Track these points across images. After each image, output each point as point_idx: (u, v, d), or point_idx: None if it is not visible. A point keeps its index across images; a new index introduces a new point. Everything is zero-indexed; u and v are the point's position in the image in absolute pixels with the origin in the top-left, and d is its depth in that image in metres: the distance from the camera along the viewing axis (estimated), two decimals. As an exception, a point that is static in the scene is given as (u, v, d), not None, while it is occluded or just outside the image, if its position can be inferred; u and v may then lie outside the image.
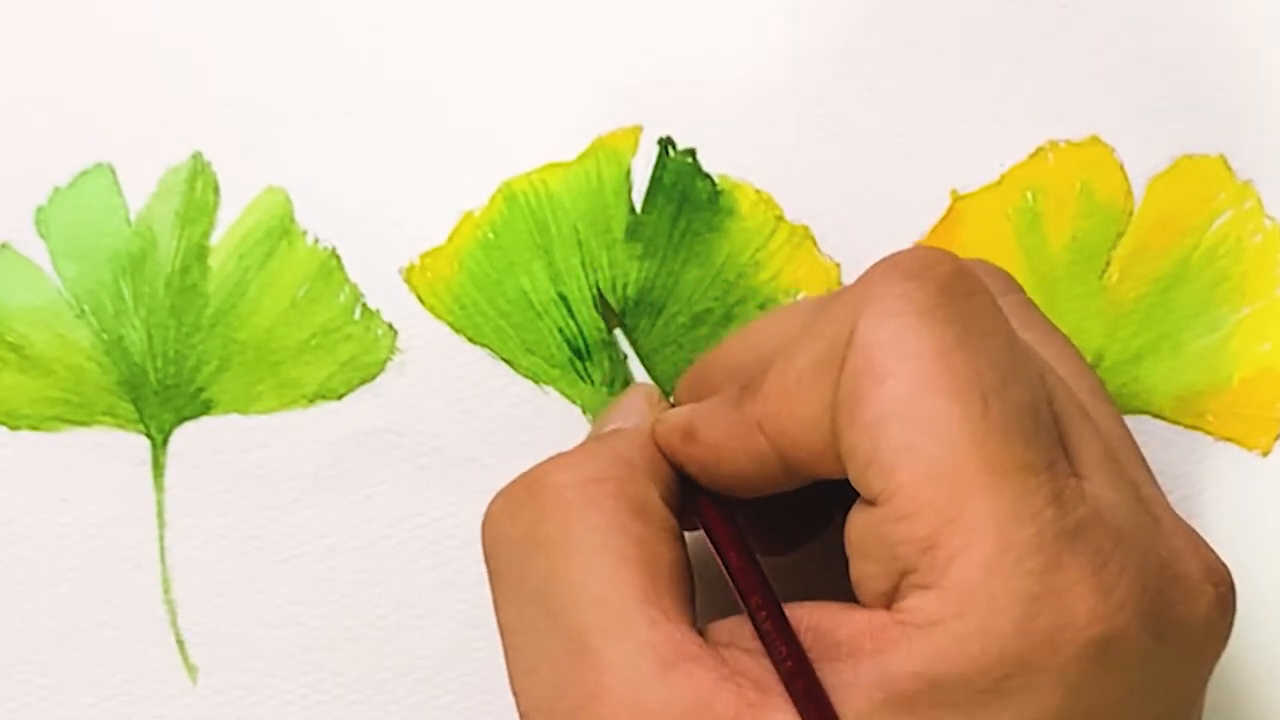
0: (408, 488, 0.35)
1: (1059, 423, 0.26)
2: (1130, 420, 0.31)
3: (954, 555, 0.24)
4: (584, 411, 0.36)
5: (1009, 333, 0.26)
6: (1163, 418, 0.36)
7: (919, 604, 0.24)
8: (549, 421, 0.36)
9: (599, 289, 0.35)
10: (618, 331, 0.35)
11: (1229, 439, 0.36)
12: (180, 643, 0.35)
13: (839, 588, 0.26)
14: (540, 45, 0.37)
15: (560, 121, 0.36)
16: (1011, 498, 0.24)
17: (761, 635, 0.25)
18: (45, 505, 0.35)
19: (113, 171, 0.36)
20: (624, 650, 0.25)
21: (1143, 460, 0.29)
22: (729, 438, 0.27)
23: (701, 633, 0.26)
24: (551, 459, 0.29)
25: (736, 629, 0.26)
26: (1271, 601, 0.35)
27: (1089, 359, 0.35)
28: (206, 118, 0.36)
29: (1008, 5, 0.37)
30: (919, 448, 0.24)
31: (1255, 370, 0.36)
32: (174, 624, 0.35)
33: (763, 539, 0.31)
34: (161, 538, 0.35)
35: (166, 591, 0.35)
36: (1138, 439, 0.29)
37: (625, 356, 0.35)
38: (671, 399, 0.33)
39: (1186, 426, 0.36)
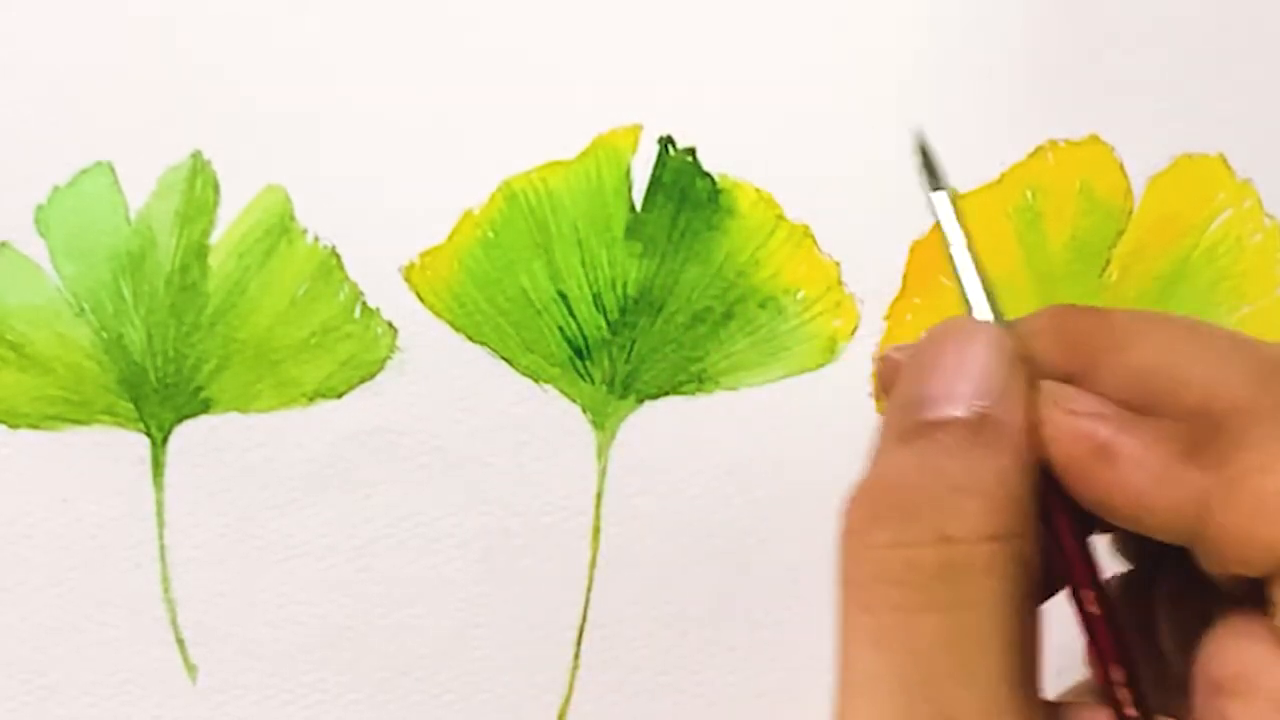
0: (407, 487, 0.35)
1: None
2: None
3: None
4: (583, 410, 0.36)
5: None
6: (1163, 417, 0.36)
7: None
8: (548, 421, 0.36)
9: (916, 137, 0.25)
10: (937, 195, 0.25)
11: (1230, 438, 0.36)
12: (180, 642, 0.35)
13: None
14: (540, 45, 0.37)
15: (560, 121, 0.36)
16: None
17: None
18: (45, 505, 0.35)
19: (112, 170, 0.36)
20: None
21: None
22: (1153, 492, 0.24)
23: (1050, 705, 0.25)
24: (940, 478, 0.24)
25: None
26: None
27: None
28: (206, 118, 0.36)
29: (1007, 5, 0.37)
30: None
31: (1256, 369, 0.36)
32: (174, 624, 0.35)
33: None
34: (161, 537, 0.35)
35: (166, 591, 0.35)
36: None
37: (940, 223, 0.25)
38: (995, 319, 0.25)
39: (1187, 425, 0.36)
